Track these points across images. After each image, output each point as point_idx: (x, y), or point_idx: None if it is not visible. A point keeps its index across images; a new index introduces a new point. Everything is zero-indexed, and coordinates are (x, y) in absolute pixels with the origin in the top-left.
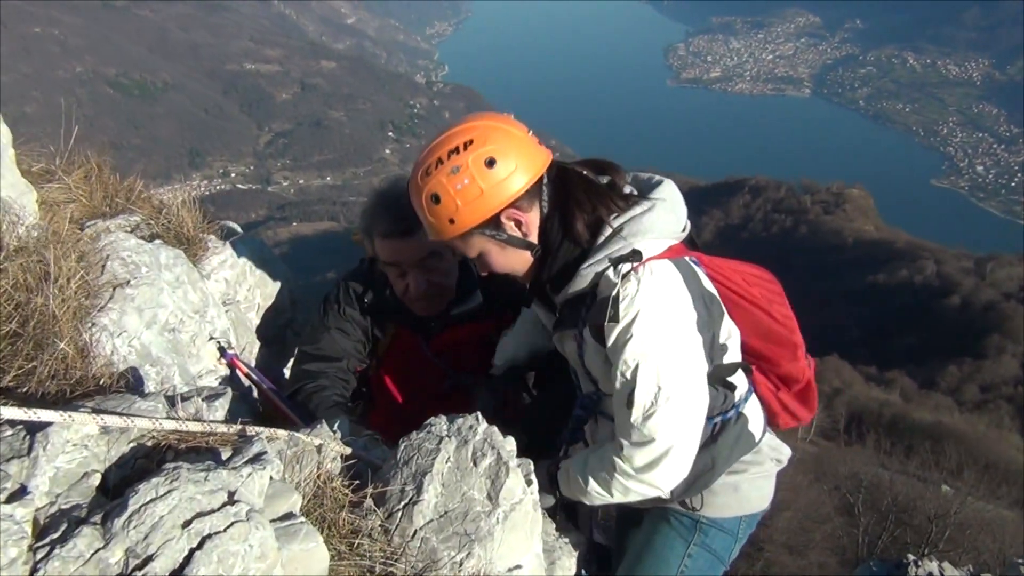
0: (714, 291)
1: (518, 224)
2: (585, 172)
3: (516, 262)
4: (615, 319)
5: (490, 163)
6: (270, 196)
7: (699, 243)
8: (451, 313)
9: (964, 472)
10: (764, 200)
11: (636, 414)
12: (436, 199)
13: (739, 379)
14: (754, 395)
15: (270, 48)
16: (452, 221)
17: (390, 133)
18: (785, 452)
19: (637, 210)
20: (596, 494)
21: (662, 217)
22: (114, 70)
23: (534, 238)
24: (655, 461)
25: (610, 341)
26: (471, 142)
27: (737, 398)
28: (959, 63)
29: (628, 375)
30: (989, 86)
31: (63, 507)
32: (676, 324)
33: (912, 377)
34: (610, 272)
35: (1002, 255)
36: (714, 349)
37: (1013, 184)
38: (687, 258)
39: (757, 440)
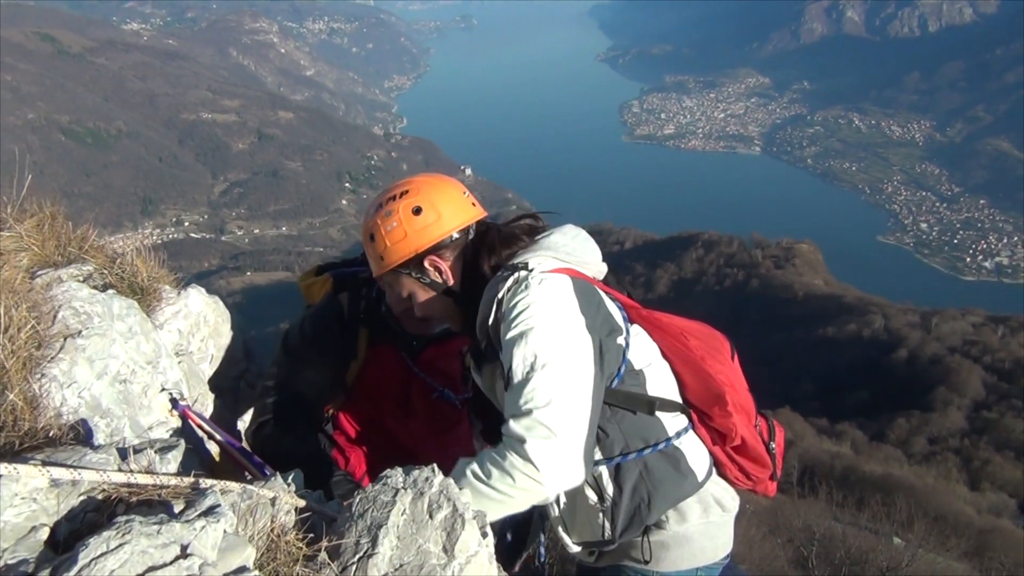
0: (618, 317)
1: (438, 270)
2: (509, 225)
3: (437, 305)
4: (500, 317)
5: (416, 211)
6: (223, 245)
7: (628, 291)
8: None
9: (914, 524)
10: (717, 254)
11: (515, 381)
12: (372, 237)
13: (672, 417)
14: (693, 435)
15: (228, 98)
16: (382, 258)
17: (347, 184)
18: (729, 497)
19: (538, 238)
20: (486, 490)
21: (559, 240)
22: (67, 117)
23: (453, 284)
24: (532, 430)
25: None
26: (406, 192)
27: (671, 432)
28: (902, 124)
29: (508, 351)
30: (931, 147)
31: (10, 562)
32: (560, 313)
33: (862, 429)
34: (499, 281)
35: (947, 310)
36: (627, 370)
37: (955, 241)
38: (598, 288)
39: (700, 481)
